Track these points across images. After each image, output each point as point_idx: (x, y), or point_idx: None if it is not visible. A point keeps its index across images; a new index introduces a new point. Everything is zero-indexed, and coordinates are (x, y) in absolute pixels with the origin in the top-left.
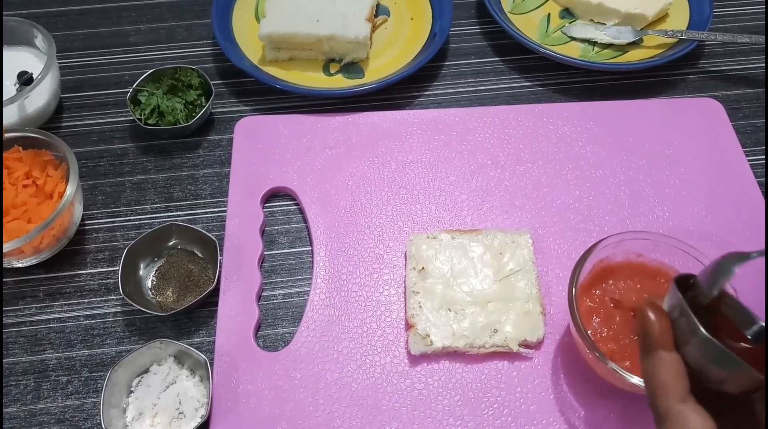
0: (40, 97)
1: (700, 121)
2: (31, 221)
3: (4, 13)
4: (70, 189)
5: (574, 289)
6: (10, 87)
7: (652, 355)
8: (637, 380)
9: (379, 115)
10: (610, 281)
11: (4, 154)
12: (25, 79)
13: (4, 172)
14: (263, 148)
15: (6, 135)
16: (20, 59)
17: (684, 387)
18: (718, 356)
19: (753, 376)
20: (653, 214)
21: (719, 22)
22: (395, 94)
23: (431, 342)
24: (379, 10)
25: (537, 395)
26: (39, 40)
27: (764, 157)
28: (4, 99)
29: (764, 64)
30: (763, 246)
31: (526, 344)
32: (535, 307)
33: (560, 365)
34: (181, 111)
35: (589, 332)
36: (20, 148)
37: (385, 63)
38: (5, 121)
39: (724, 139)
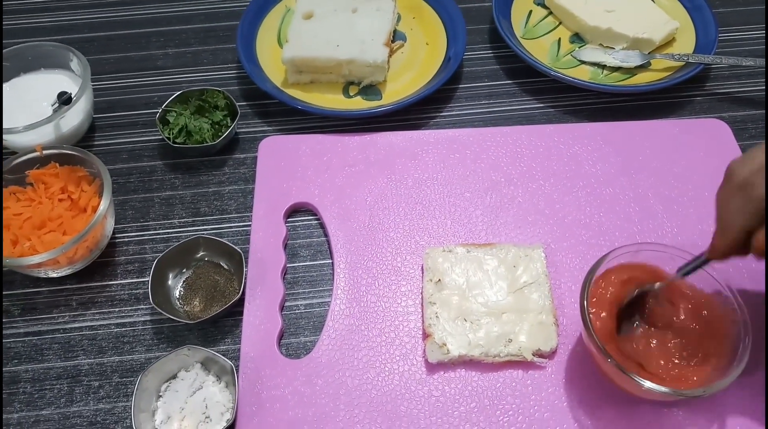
0: (74, 117)
1: (707, 141)
2: (66, 233)
3: (41, 38)
4: (104, 204)
5: (585, 298)
6: (47, 107)
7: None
8: (649, 385)
9: (396, 135)
10: None
11: (42, 170)
12: (65, 99)
13: (42, 186)
14: (286, 166)
15: (44, 152)
16: (57, 81)
17: None
18: None
19: None
20: (662, 230)
21: (725, 45)
22: (412, 115)
23: (448, 351)
24: (396, 36)
25: (551, 403)
26: (74, 64)
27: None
28: (41, 119)
29: None
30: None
31: (539, 354)
32: (549, 318)
33: (573, 374)
34: (208, 131)
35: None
36: (57, 165)
37: (402, 85)
38: (42, 140)
39: (730, 158)
